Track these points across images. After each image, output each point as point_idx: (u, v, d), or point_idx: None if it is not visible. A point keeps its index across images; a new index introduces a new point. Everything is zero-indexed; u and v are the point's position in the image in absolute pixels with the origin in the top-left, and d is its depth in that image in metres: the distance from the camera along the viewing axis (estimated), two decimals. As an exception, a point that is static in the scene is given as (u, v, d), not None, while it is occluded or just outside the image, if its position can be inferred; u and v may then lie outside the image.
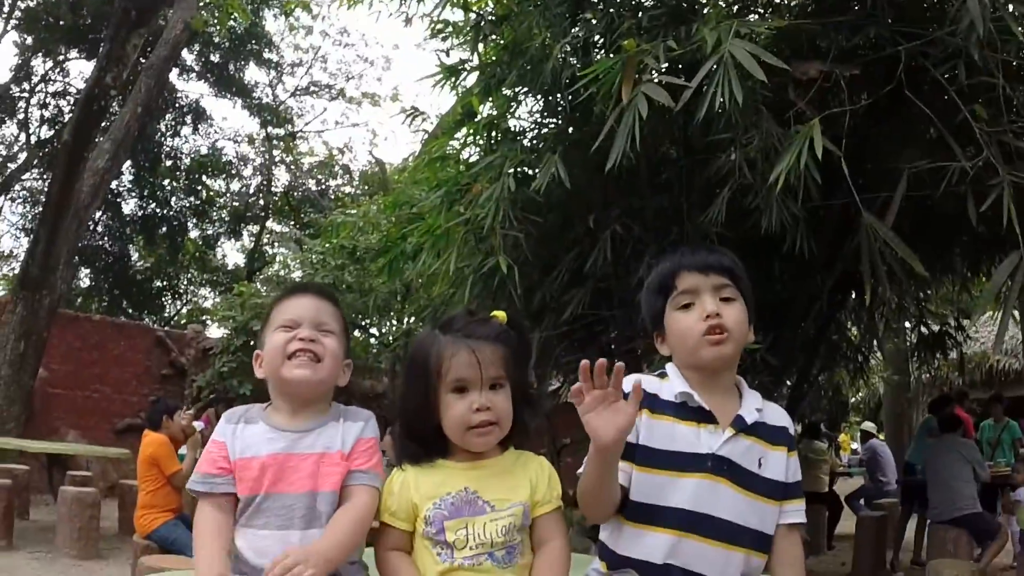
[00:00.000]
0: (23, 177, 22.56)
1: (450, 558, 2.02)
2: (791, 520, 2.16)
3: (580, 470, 2.03)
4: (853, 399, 18.53)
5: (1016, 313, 4.16)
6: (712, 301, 2.09)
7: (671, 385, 2.15)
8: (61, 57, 22.08)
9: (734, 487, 2.07)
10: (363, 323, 16.61)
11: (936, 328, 8.13)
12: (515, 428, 2.13)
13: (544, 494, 2.11)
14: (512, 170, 5.51)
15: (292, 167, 27.08)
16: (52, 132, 21.81)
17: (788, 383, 7.93)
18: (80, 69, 22.47)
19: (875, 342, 8.52)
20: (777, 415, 2.21)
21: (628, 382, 1.97)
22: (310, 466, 2.08)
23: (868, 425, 17.35)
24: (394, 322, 16.23)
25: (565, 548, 2.12)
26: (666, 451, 2.08)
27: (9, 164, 22.50)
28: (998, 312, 5.08)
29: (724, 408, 2.13)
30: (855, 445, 24.40)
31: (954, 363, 10.63)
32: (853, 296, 7.21)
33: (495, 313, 2.20)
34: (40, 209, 14.92)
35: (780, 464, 2.15)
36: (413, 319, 13.36)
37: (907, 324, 8.17)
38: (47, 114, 22.61)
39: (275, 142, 26.83)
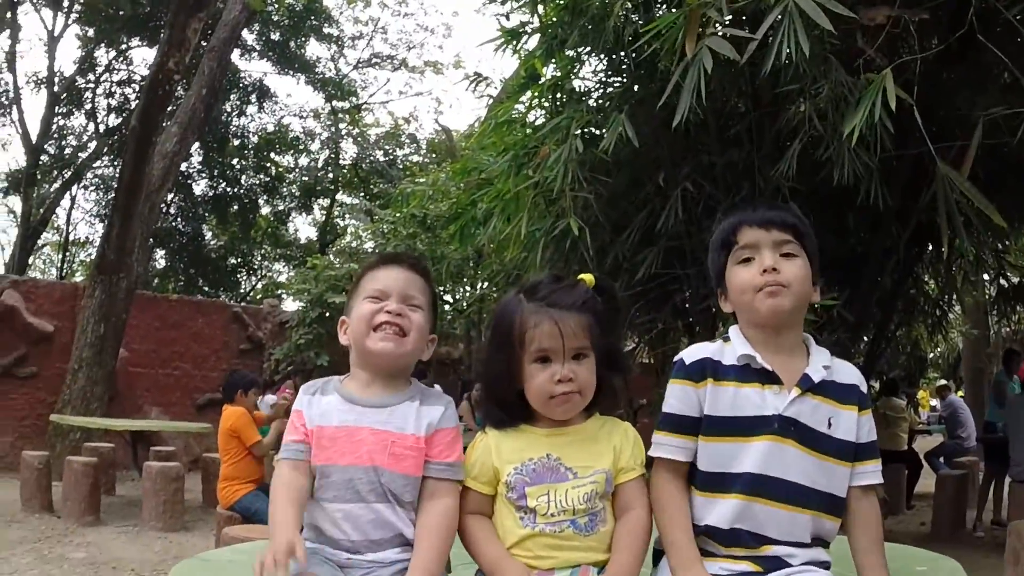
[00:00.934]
0: (94, 165, 22.92)
1: (532, 523, 2.02)
2: (865, 482, 2.09)
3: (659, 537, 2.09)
4: (932, 355, 18.20)
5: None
6: (771, 256, 2.04)
7: (733, 348, 2.10)
8: (124, 46, 22.32)
9: (802, 448, 2.02)
10: (437, 290, 16.67)
11: (1016, 280, 7.96)
12: (601, 394, 2.10)
13: (628, 461, 2.08)
14: (579, 131, 5.49)
15: (359, 139, 27.16)
16: (120, 120, 22.07)
17: (865, 339, 7.84)
18: (143, 56, 22.72)
19: (953, 295, 8.35)
20: (847, 372, 2.13)
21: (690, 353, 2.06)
22: (378, 441, 2.06)
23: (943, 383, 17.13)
24: (467, 288, 16.31)
25: (647, 517, 2.09)
26: (731, 417, 2.03)
27: (80, 154, 22.85)
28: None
29: (789, 367, 2.07)
30: (934, 402, 24.02)
31: (1035, 315, 10.38)
32: (930, 248, 7.09)
33: (582, 277, 2.16)
34: (113, 195, 15.18)
35: (851, 423, 2.08)
36: (486, 284, 13.41)
37: (986, 276, 8.00)
38: (114, 103, 22.93)
39: (340, 115, 26.94)
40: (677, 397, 2.08)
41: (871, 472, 2.10)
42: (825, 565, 2.03)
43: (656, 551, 2.17)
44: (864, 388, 2.15)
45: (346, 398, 2.13)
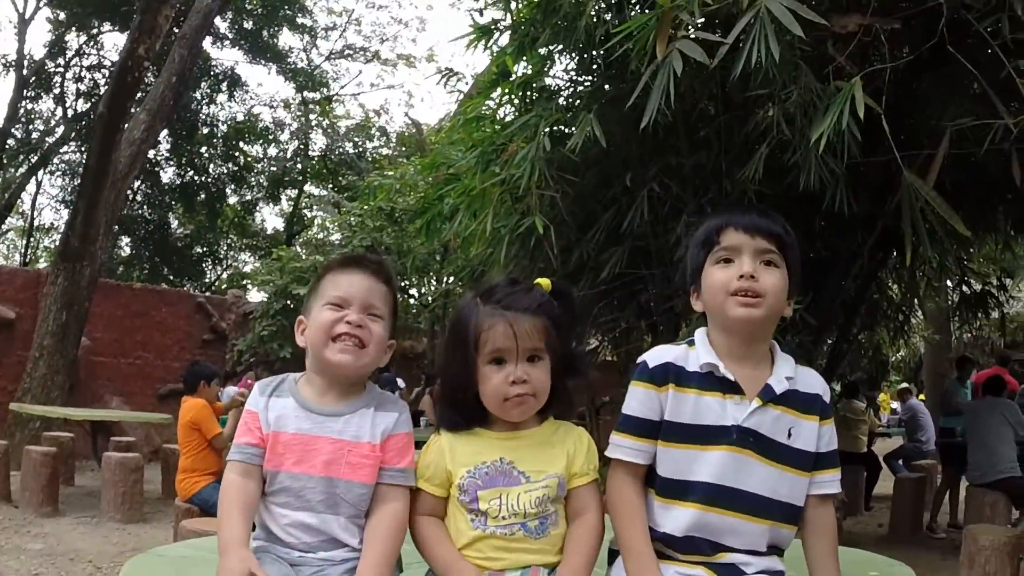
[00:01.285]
0: (61, 150, 22.74)
1: (483, 526, 2.02)
2: (823, 491, 2.09)
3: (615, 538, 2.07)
4: (894, 358, 18.38)
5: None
6: (751, 262, 2.01)
7: (697, 354, 2.07)
8: (95, 31, 22.14)
9: (761, 459, 2.01)
10: (402, 284, 16.70)
11: (978, 287, 8.04)
12: (556, 398, 2.11)
13: (581, 466, 2.09)
14: (547, 129, 5.49)
15: (329, 131, 27.09)
16: (88, 105, 21.85)
17: (829, 341, 7.90)
18: (114, 42, 22.44)
19: (916, 301, 8.43)
20: (811, 381, 2.12)
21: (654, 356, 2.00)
22: (334, 451, 2.06)
23: (905, 386, 17.29)
24: (433, 282, 16.29)
25: (599, 520, 2.10)
26: (691, 424, 2.01)
27: (47, 138, 22.68)
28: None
29: (752, 377, 2.05)
30: (895, 404, 24.24)
31: (996, 323, 10.52)
32: (895, 254, 7.14)
33: (539, 281, 2.16)
34: (79, 181, 15.04)
35: (812, 433, 2.07)
36: (452, 279, 13.42)
37: (949, 283, 8.08)
38: (83, 87, 22.75)
39: (311, 106, 26.85)
40: (639, 400, 2.06)
41: (829, 481, 2.10)
42: (779, 575, 2.03)
43: (611, 551, 2.17)
44: (827, 398, 2.14)
45: (302, 405, 2.11)
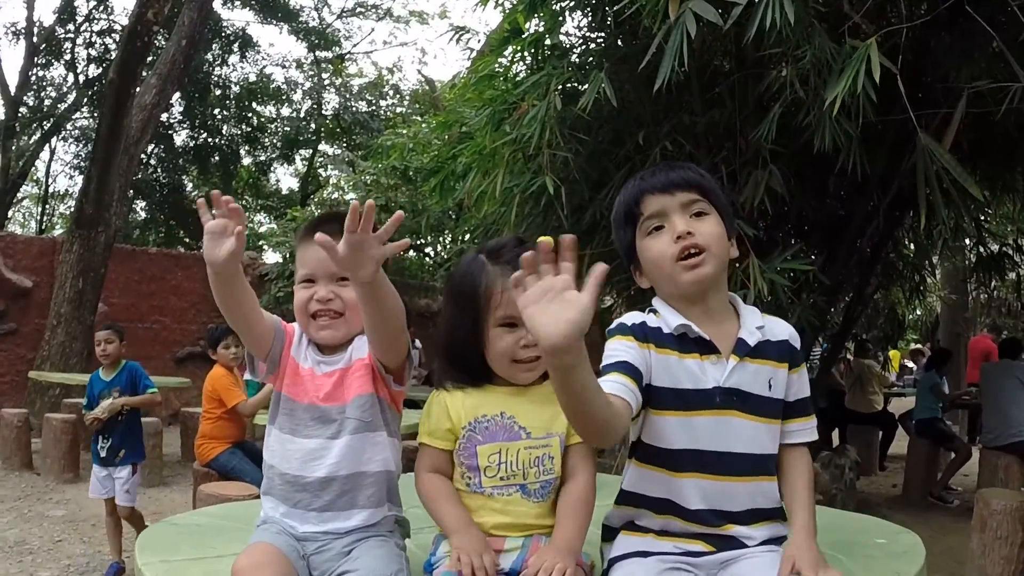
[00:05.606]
0: (74, 117, 22.61)
1: (479, 486, 2.01)
2: (792, 440, 2.05)
3: None
4: (910, 317, 18.27)
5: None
6: (682, 220, 1.96)
7: (665, 319, 2.01)
8: (104, -5, 22.01)
9: (747, 416, 1.96)
10: (417, 243, 16.67)
11: (995, 248, 7.97)
12: None
13: None
14: (559, 88, 5.42)
15: (342, 89, 26.96)
16: (100, 71, 21.69)
17: (847, 299, 7.86)
18: (124, 5, 22.44)
19: (932, 261, 8.36)
20: (779, 329, 2.07)
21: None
22: (333, 382, 2.09)
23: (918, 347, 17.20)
24: (448, 241, 16.25)
25: (591, 483, 2.06)
26: (673, 389, 1.96)
27: (59, 105, 22.54)
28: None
29: (723, 333, 2.00)
30: (909, 363, 24.14)
31: (1012, 284, 10.44)
32: (911, 214, 7.06)
33: (541, 239, 2.12)
34: (91, 147, 15.02)
35: (782, 381, 2.03)
36: (467, 238, 13.39)
37: (966, 241, 8.00)
38: (94, 53, 22.54)
39: (324, 65, 26.72)
40: (623, 347, 1.95)
41: (800, 430, 2.06)
42: (782, 541, 1.99)
43: (605, 527, 2.14)
44: (796, 343, 2.08)
45: (316, 348, 2.16)
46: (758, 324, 2.03)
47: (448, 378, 2.09)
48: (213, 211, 1.90)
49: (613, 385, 1.85)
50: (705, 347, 1.98)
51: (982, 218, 7.40)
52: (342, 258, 1.74)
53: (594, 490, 2.06)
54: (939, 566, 6.05)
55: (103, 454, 5.90)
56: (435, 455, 2.06)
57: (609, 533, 2.12)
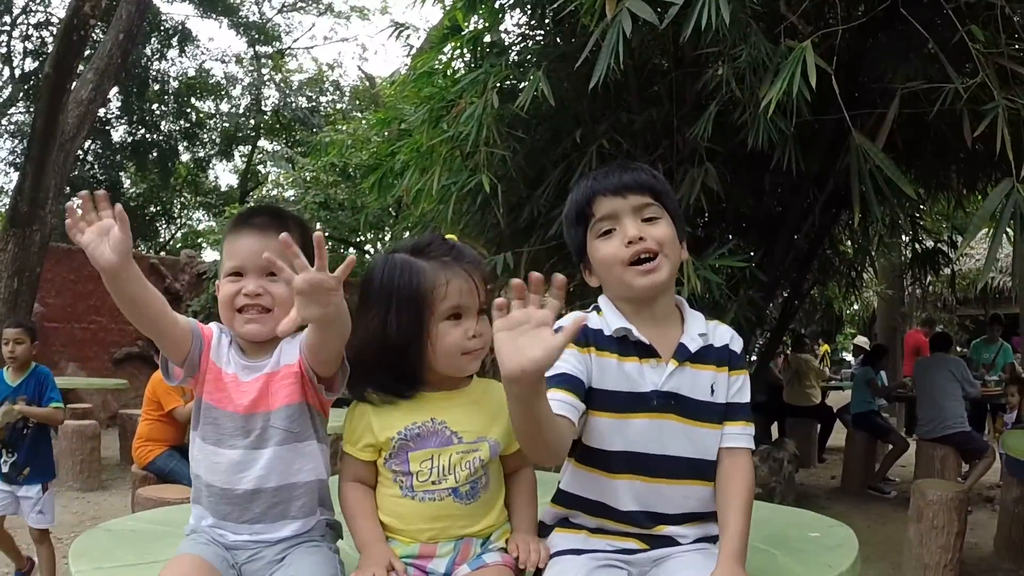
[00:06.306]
0: (9, 111, 22.11)
1: (411, 492, 1.97)
2: (730, 444, 2.01)
3: None
4: (847, 312, 18.52)
5: (1010, 231, 4.05)
6: (633, 224, 1.94)
7: (606, 320, 2.00)
8: (41, -14, 21.56)
9: (684, 420, 1.96)
10: (356, 240, 16.58)
11: (930, 244, 8.10)
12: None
13: None
14: (497, 85, 5.41)
15: (281, 85, 26.74)
16: (36, 65, 21.22)
17: (783, 296, 7.94)
18: (62, -2, 21.85)
19: (869, 257, 8.48)
20: (721, 334, 2.07)
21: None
22: (258, 388, 2.02)
23: (861, 340, 17.44)
24: (387, 239, 16.19)
25: (534, 474, 2.11)
26: (610, 391, 1.94)
27: (-6, 99, 22.13)
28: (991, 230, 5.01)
29: (665, 337, 2.00)
30: (848, 356, 24.46)
31: (946, 279, 10.63)
32: (847, 211, 7.15)
33: (448, 236, 2.09)
34: (27, 144, 14.74)
35: (723, 385, 2.02)
36: (407, 235, 13.36)
37: (903, 237, 8.12)
38: (30, 46, 22.01)
39: (263, 60, 26.50)
40: (565, 354, 1.86)
41: (738, 434, 2.03)
42: (715, 539, 1.98)
43: (541, 524, 2.13)
44: (736, 347, 2.08)
45: (239, 349, 2.08)
46: (700, 331, 2.03)
47: (375, 388, 2.01)
48: (99, 213, 1.77)
49: (559, 405, 1.84)
50: (645, 351, 1.97)
51: (917, 215, 7.52)
52: (299, 296, 1.69)
53: (535, 480, 2.11)
54: (878, 555, 6.14)
55: (5, 469, 5.24)
56: (358, 465, 2.03)
57: (544, 531, 2.11)
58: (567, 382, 1.90)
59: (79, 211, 1.74)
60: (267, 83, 26.67)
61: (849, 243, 8.53)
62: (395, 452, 1.97)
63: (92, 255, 1.72)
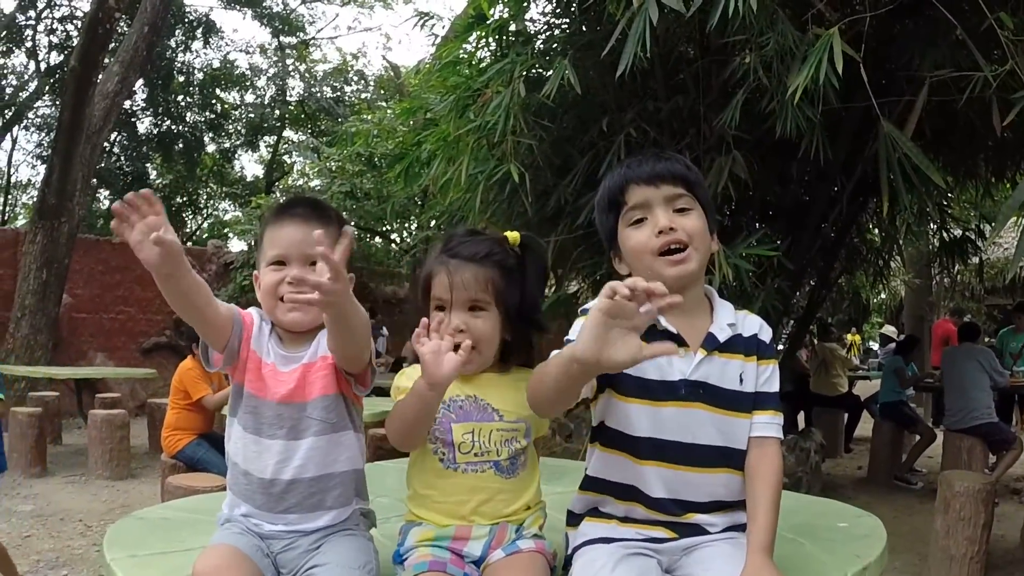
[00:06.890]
0: (36, 105, 22.27)
1: (453, 463, 2.01)
2: (758, 433, 2.00)
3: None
4: (875, 300, 18.40)
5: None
6: (665, 215, 1.95)
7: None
8: (66, -19, 21.67)
9: (713, 409, 1.96)
10: (382, 229, 16.62)
11: (958, 233, 8.04)
12: (515, 348, 2.10)
13: None
14: (523, 74, 5.40)
15: (306, 75, 26.82)
16: (62, 58, 21.37)
17: (811, 284, 7.91)
18: (85, -8, 21.92)
19: (896, 246, 8.42)
20: (750, 323, 2.08)
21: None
22: (296, 379, 2.04)
23: (888, 329, 17.33)
24: (413, 228, 16.23)
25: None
26: (638, 378, 1.94)
27: (21, 93, 22.18)
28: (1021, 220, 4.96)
29: (694, 327, 2.01)
30: (874, 345, 24.32)
31: (975, 268, 10.55)
32: (875, 200, 7.11)
33: (508, 234, 2.13)
34: (54, 136, 14.86)
35: (752, 374, 2.02)
36: (432, 224, 13.39)
37: (931, 226, 8.06)
38: (55, 40, 22.19)
39: (288, 51, 26.55)
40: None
41: (766, 423, 2.02)
42: (743, 528, 1.98)
43: (570, 513, 2.15)
44: (765, 336, 2.08)
45: (278, 339, 2.11)
46: (730, 321, 2.04)
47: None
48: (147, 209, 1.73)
49: None
50: (672, 340, 1.95)
51: (945, 204, 7.47)
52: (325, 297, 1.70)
53: None
54: (904, 547, 6.12)
55: None
56: None
57: (573, 519, 2.13)
58: None
59: (126, 211, 1.71)
60: (292, 73, 26.76)
61: (876, 231, 8.46)
62: (440, 420, 2.01)
63: (140, 254, 1.72)
